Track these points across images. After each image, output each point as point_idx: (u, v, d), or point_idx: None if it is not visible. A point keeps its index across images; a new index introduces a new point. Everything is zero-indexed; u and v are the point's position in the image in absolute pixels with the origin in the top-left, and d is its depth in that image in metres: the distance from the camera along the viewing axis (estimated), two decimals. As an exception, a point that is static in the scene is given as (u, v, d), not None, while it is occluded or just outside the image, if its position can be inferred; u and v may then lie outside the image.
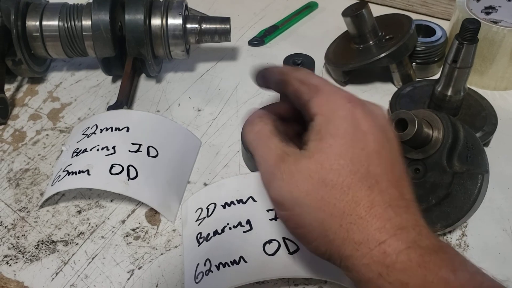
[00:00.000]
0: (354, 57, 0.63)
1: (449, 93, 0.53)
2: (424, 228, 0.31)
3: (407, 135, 0.43)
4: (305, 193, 0.31)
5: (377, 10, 0.64)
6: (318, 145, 0.32)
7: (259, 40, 0.75)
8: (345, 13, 0.62)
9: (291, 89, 0.35)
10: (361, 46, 0.63)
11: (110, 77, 0.70)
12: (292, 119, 0.38)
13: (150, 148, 0.53)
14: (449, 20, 0.73)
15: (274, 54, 0.74)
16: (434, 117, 0.46)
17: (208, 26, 0.65)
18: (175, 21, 0.63)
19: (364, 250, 0.30)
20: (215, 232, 0.45)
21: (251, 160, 0.55)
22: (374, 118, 0.33)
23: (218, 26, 0.65)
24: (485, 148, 0.49)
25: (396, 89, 0.63)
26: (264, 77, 0.38)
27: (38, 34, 0.63)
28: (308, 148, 0.32)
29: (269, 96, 0.64)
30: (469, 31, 0.48)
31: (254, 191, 0.48)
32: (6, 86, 0.67)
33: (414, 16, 0.76)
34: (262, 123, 0.35)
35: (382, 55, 0.59)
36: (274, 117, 0.36)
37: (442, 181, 0.44)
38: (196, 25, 0.65)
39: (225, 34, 0.66)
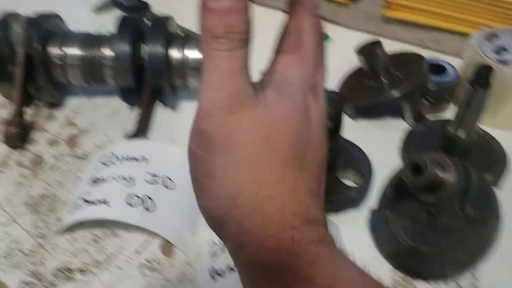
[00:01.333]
0: (367, 93, 0.64)
1: (461, 135, 0.54)
2: (328, 231, 0.30)
3: (421, 181, 0.44)
4: (242, 144, 0.27)
5: (388, 45, 0.65)
6: (277, 98, 0.28)
7: (273, 71, 0.77)
8: (358, 51, 0.63)
9: (286, 26, 0.31)
10: (374, 83, 0.65)
11: (127, 104, 0.71)
12: None
13: (166, 179, 0.55)
14: (460, 57, 0.74)
15: (288, 85, 0.75)
16: (447, 162, 0.47)
17: (224, 58, 0.67)
18: (193, 53, 0.65)
19: (271, 230, 0.27)
20: (231, 269, 0.46)
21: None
22: (321, 112, 0.31)
23: (234, 58, 0.67)
24: (496, 190, 0.50)
25: (408, 125, 0.65)
26: None
27: (59, 61, 0.65)
28: (266, 96, 0.28)
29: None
30: (482, 77, 0.50)
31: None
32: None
33: (425, 52, 0.77)
34: (243, 49, 0.27)
35: (395, 94, 0.61)
36: None
37: (454, 225, 0.45)
38: (213, 57, 0.66)
39: (241, 66, 0.67)
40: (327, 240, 0.28)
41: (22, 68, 0.64)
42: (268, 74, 0.30)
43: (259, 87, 0.29)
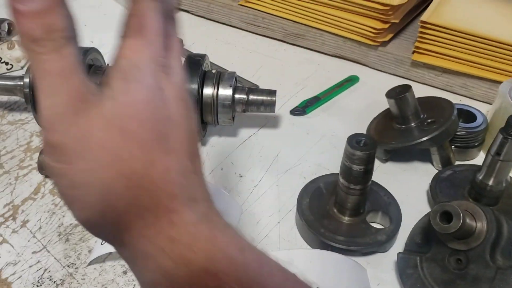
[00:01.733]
0: (396, 137, 0.65)
1: (490, 183, 0.55)
2: (213, 204, 0.30)
3: (451, 228, 0.45)
4: (99, 144, 0.26)
5: (416, 89, 0.66)
6: (124, 85, 0.27)
7: (300, 110, 0.78)
8: (389, 95, 0.65)
9: (127, 12, 0.29)
10: (403, 126, 0.65)
11: (158, 138, 0.73)
12: None
13: (196, 214, 0.56)
14: (489, 103, 0.75)
15: (315, 124, 0.76)
16: (477, 210, 0.47)
17: (255, 97, 0.69)
18: (225, 91, 0.67)
19: (149, 219, 0.27)
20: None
21: (309, 232, 0.56)
22: (178, 90, 0.30)
23: (264, 98, 0.69)
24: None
25: (436, 170, 0.65)
26: None
27: (97, 94, 0.67)
28: (112, 88, 0.27)
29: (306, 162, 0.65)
30: (514, 127, 0.50)
31: (298, 269, 0.49)
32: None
33: (453, 96, 0.78)
34: (69, 46, 0.26)
35: (424, 138, 0.62)
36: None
37: (484, 275, 0.45)
38: (244, 96, 0.68)
39: (270, 106, 0.69)
40: (209, 218, 0.28)
41: (60, 99, 0.66)
42: (113, 63, 0.28)
43: (104, 80, 0.28)
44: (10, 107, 0.77)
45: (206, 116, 0.68)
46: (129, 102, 0.27)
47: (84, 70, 0.27)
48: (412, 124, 0.65)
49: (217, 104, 0.67)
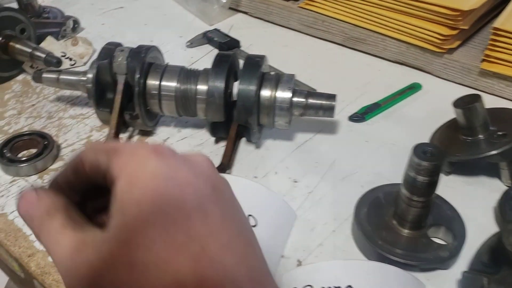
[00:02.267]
0: (461, 149, 0.62)
1: None
2: None
3: (527, 250, 0.41)
4: (110, 285, 0.25)
5: (485, 99, 0.62)
6: (120, 219, 0.26)
7: (359, 117, 0.76)
8: (456, 104, 0.61)
9: (88, 165, 0.29)
10: (470, 138, 0.62)
11: (213, 138, 0.73)
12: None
13: (250, 217, 0.55)
14: None
15: (375, 132, 0.74)
16: (556, 232, 0.43)
17: (314, 101, 0.67)
18: (283, 94, 0.65)
19: None
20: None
21: (366, 243, 0.54)
22: (194, 166, 0.28)
23: (324, 102, 0.67)
24: None
25: (505, 186, 0.61)
26: (58, 181, 0.32)
27: (156, 92, 0.68)
28: (109, 226, 0.26)
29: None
30: None
31: (353, 280, 0.47)
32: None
33: (525, 109, 0.74)
34: (48, 219, 0.29)
35: (493, 152, 0.58)
36: (66, 199, 0.31)
37: (562, 303, 0.42)
38: (303, 99, 0.67)
39: (329, 111, 0.67)
40: None
41: (121, 95, 0.67)
42: (112, 196, 0.27)
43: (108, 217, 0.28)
44: (73, 102, 0.79)
45: (263, 118, 0.67)
46: (126, 236, 0.25)
47: (77, 215, 0.30)
48: (480, 136, 0.61)
49: (274, 106, 0.66)
